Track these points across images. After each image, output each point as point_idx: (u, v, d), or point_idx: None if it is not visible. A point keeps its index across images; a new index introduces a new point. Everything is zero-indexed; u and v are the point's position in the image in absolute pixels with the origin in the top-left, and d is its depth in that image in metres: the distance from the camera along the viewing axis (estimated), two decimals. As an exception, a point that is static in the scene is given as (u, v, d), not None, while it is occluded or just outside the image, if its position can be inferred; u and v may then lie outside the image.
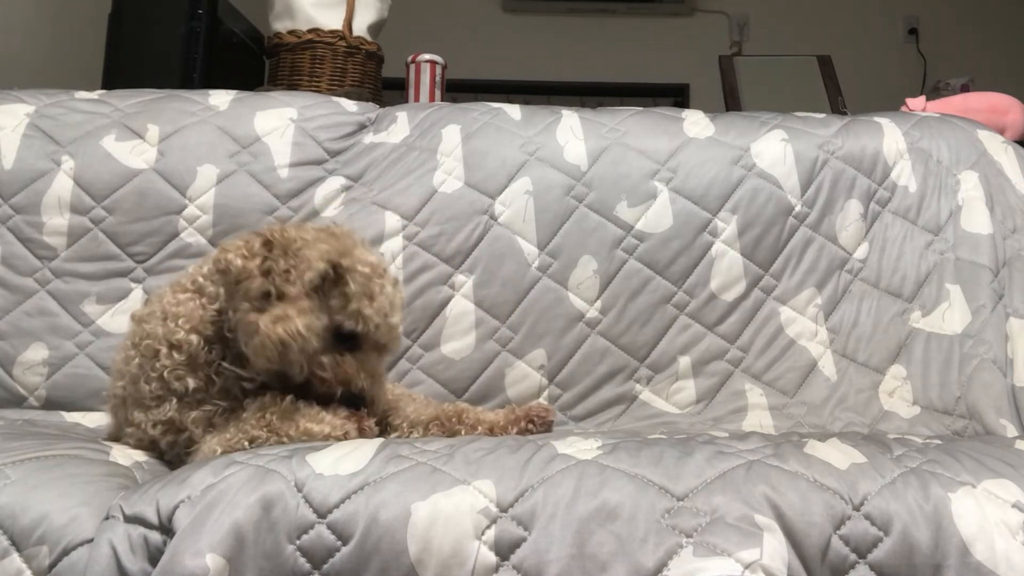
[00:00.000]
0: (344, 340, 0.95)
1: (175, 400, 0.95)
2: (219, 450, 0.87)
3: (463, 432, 1.04)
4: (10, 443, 0.89)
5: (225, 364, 0.96)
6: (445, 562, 0.71)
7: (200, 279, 1.01)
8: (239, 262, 0.91)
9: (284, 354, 0.91)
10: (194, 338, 0.96)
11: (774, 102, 1.83)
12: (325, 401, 0.94)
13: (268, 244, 0.93)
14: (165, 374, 0.95)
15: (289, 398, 0.92)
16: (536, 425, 1.07)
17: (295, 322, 0.90)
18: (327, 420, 0.91)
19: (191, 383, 0.95)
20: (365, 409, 0.96)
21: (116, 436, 1.06)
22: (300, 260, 0.93)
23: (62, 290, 1.35)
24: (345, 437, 0.90)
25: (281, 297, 0.91)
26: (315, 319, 0.92)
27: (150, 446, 0.99)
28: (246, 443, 0.87)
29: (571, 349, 1.34)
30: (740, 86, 2.50)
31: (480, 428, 1.05)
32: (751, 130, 1.48)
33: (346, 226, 1.04)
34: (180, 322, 0.97)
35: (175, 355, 0.96)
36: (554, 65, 3.99)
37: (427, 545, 0.72)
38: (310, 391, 0.94)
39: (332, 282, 0.95)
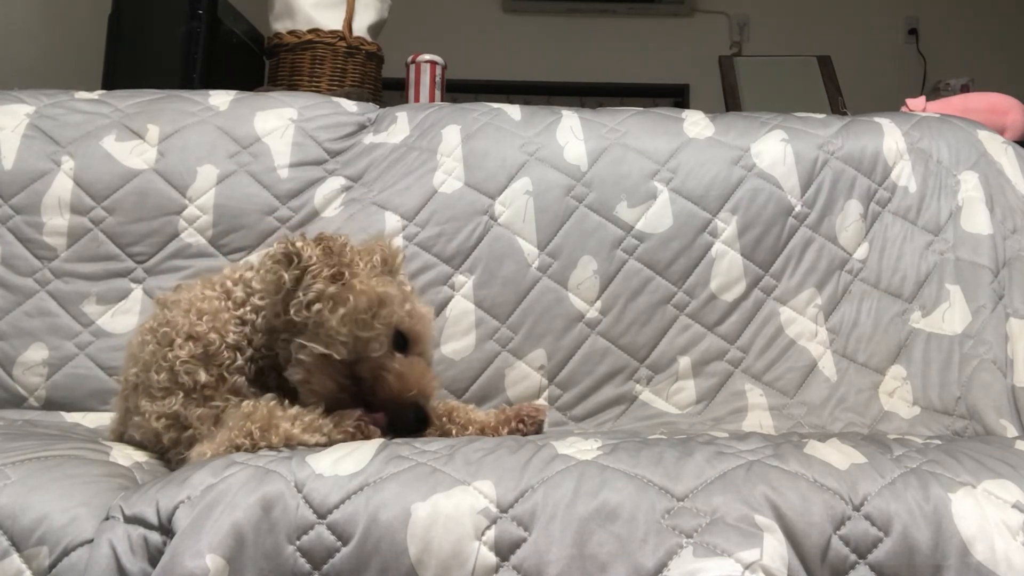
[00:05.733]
0: (399, 345, 0.96)
1: (181, 394, 0.95)
2: (209, 453, 0.87)
3: (454, 431, 1.04)
4: (10, 443, 0.89)
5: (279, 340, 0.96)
6: (445, 563, 0.71)
7: (230, 284, 1.01)
8: (308, 250, 0.93)
9: (379, 312, 0.92)
10: (214, 336, 0.96)
11: (774, 102, 1.83)
12: (373, 410, 0.93)
13: (319, 240, 0.95)
14: (176, 365, 0.95)
15: (273, 403, 0.90)
16: (527, 425, 1.07)
17: (379, 287, 0.93)
18: (317, 427, 0.89)
19: (202, 376, 0.94)
20: (426, 428, 0.96)
21: (120, 432, 1.06)
22: (358, 252, 0.96)
23: (62, 290, 1.35)
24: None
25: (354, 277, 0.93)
26: (394, 292, 0.95)
27: (154, 440, 0.98)
28: (233, 451, 0.86)
29: (571, 349, 1.34)
30: (740, 86, 2.50)
31: (471, 428, 1.05)
32: (751, 130, 1.48)
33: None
34: (204, 318, 0.97)
35: (190, 346, 0.95)
36: (554, 65, 3.99)
37: (427, 546, 0.72)
38: (361, 402, 0.93)
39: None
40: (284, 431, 0.87)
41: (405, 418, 0.94)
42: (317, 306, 0.91)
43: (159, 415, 0.95)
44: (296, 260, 0.92)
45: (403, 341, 0.96)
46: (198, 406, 0.94)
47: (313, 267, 0.92)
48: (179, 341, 0.96)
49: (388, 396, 0.93)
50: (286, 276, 0.93)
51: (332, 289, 0.91)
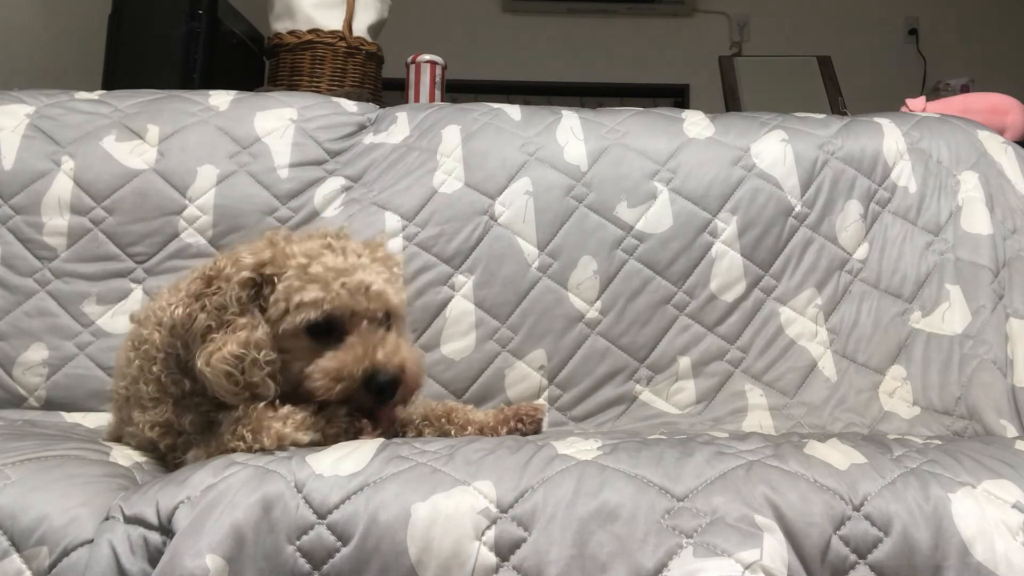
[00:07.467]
0: (324, 335, 0.92)
1: (171, 402, 0.95)
2: (205, 457, 0.87)
3: (453, 432, 1.04)
4: (10, 444, 0.89)
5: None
6: (445, 563, 0.71)
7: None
8: (179, 311, 0.91)
9: (239, 380, 0.88)
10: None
11: (774, 102, 1.83)
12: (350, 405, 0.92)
13: (208, 280, 0.92)
14: (163, 377, 0.95)
15: (263, 406, 0.89)
16: (525, 424, 1.07)
17: (227, 346, 0.88)
18: (309, 424, 0.89)
19: (187, 386, 0.94)
20: (398, 392, 0.93)
21: (117, 435, 1.06)
22: (228, 285, 0.91)
23: (62, 290, 1.35)
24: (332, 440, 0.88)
25: (225, 325, 0.90)
26: (253, 331, 0.89)
27: (149, 448, 0.98)
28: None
29: (571, 349, 1.34)
30: (740, 86, 2.50)
31: (470, 428, 1.05)
32: (751, 130, 1.48)
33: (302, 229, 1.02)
34: None
35: (170, 361, 0.95)
36: (554, 65, 3.99)
37: (427, 546, 0.72)
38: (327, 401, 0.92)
39: (269, 290, 0.93)
40: (276, 431, 0.87)
41: (366, 402, 0.92)
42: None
43: (152, 424, 0.96)
44: (175, 328, 0.91)
45: (325, 328, 0.93)
46: (189, 412, 0.94)
47: (190, 330, 0.90)
48: (160, 356, 0.95)
49: (324, 398, 0.91)
50: (178, 344, 0.92)
51: (199, 363, 0.88)
